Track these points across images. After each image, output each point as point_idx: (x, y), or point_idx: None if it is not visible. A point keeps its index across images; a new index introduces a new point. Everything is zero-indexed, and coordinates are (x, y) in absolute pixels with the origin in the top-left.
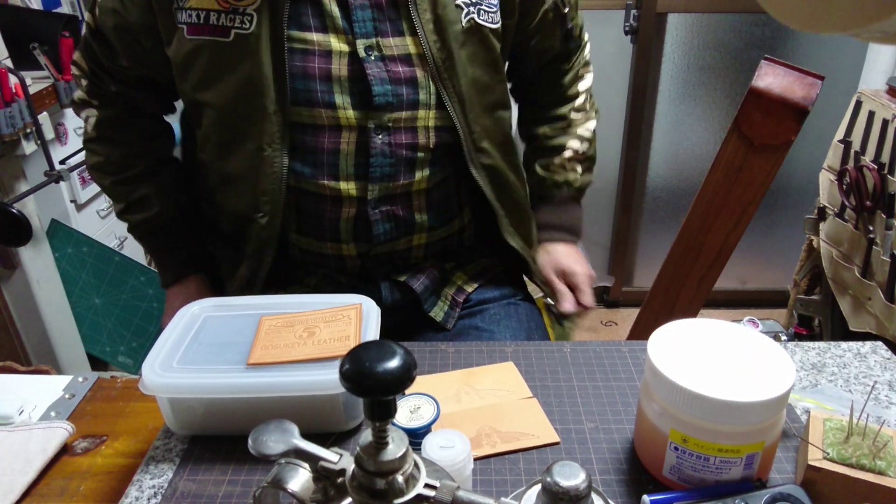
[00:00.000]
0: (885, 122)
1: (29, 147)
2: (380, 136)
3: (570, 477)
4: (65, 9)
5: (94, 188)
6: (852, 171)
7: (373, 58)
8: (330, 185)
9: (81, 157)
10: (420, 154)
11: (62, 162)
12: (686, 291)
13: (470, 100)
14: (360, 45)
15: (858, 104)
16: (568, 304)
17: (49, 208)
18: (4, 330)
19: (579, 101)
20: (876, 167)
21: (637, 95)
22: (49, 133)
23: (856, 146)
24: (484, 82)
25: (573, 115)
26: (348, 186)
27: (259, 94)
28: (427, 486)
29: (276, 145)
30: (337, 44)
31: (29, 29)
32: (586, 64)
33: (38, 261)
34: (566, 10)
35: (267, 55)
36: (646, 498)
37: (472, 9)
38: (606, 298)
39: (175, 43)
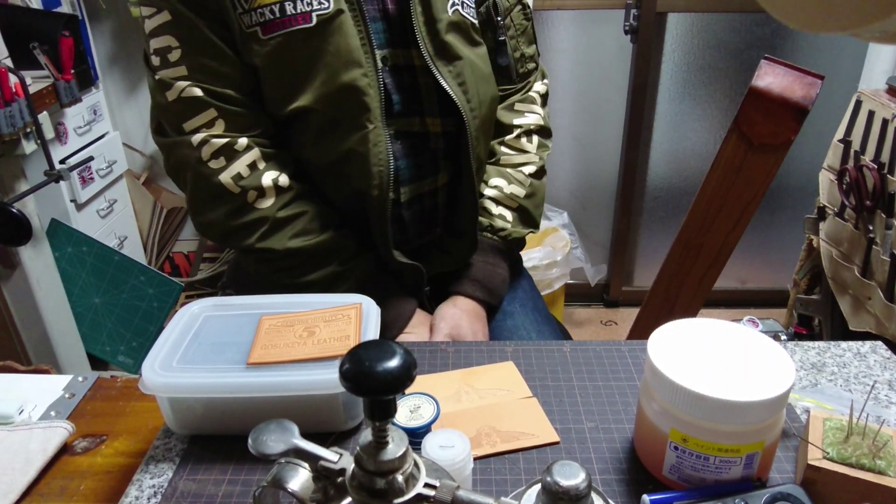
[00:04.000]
0: (885, 122)
1: (29, 146)
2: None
3: (570, 476)
4: (65, 8)
5: (94, 188)
6: (852, 170)
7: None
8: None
9: (81, 156)
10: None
11: (62, 161)
12: (686, 291)
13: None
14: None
15: (858, 104)
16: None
17: (49, 208)
18: (4, 329)
19: (510, 136)
20: (876, 167)
21: (637, 95)
22: (49, 132)
23: (856, 146)
24: (485, 73)
25: (502, 150)
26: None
27: (357, 65)
28: (427, 485)
29: (379, 122)
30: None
31: (29, 28)
32: (530, 101)
33: (37, 260)
34: (501, 38)
35: (351, 27)
36: (645, 497)
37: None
38: (606, 298)
39: (253, 49)
